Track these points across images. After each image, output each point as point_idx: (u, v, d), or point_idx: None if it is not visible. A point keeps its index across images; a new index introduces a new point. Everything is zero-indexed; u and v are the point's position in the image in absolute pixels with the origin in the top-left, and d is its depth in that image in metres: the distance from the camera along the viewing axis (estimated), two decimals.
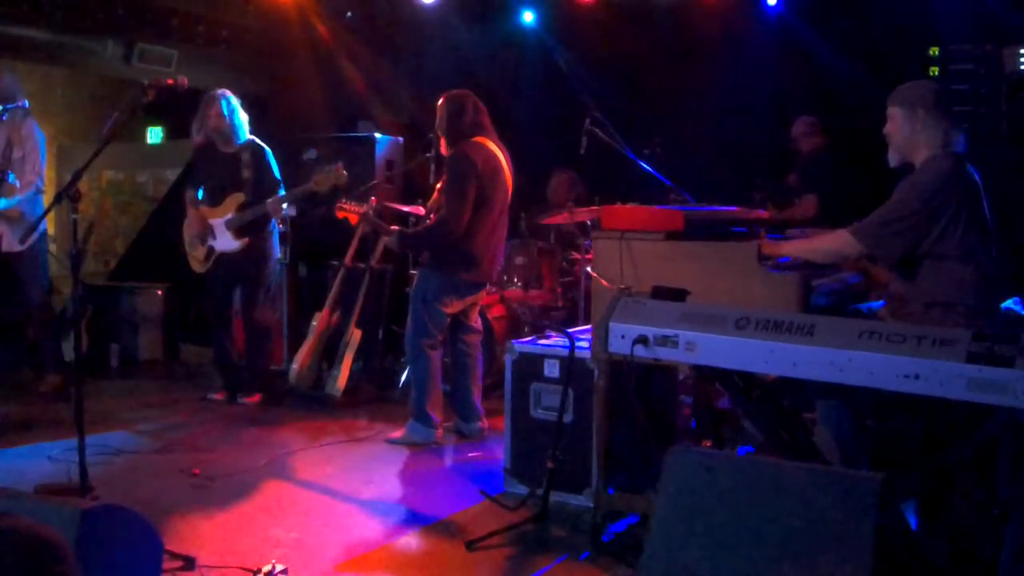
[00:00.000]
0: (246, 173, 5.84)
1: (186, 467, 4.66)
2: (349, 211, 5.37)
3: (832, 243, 3.75)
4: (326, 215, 5.71)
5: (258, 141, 5.94)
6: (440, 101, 5.15)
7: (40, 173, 5.97)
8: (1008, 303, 3.68)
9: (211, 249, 5.94)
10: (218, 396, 6.11)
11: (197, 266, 6.06)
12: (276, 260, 6.15)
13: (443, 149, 5.18)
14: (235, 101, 5.87)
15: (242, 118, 5.88)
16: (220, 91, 5.88)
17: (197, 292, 6.66)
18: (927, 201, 3.46)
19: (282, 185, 5.94)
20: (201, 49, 8.09)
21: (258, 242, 5.91)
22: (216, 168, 5.92)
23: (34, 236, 5.86)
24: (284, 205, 5.88)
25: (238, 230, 5.83)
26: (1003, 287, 3.64)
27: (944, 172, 3.51)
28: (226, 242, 5.87)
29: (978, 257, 3.51)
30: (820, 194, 6.57)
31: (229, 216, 5.84)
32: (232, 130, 5.84)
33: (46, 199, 6.13)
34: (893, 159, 3.71)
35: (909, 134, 3.61)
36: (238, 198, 5.83)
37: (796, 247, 3.97)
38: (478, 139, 5.08)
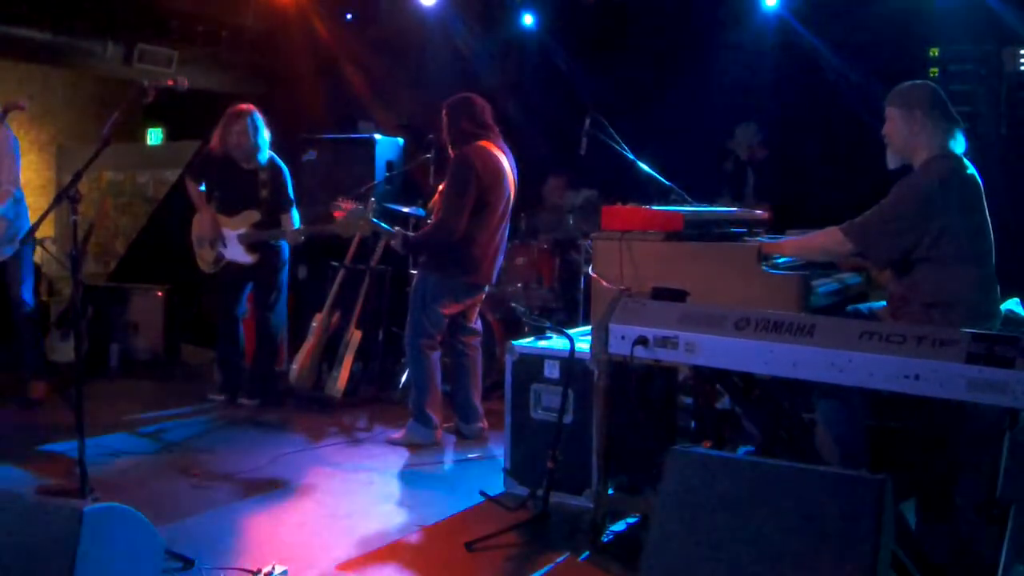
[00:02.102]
0: (263, 192, 5.87)
1: (186, 467, 4.66)
2: (344, 210, 5.37)
3: (823, 240, 3.76)
4: (326, 215, 5.70)
5: (277, 160, 5.95)
6: (444, 108, 5.16)
7: (16, 181, 5.89)
8: (1008, 303, 3.68)
9: (220, 255, 5.95)
10: (218, 396, 6.11)
11: (204, 266, 6.07)
12: (285, 263, 6.14)
13: (450, 153, 5.19)
14: (261, 119, 5.86)
15: (266, 137, 5.88)
16: (247, 107, 5.86)
17: (198, 293, 6.67)
18: (922, 206, 3.46)
19: (294, 204, 5.96)
20: (201, 49, 8.10)
21: (269, 252, 5.93)
22: (232, 181, 5.92)
23: (17, 240, 5.86)
24: (301, 238, 5.87)
25: (251, 246, 5.85)
26: (1003, 287, 3.63)
27: (942, 175, 3.51)
28: (238, 254, 5.90)
29: (978, 258, 3.51)
30: (773, 203, 6.58)
31: (243, 231, 5.85)
32: (255, 149, 5.83)
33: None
34: (892, 161, 3.70)
35: (907, 135, 3.61)
36: (253, 215, 5.86)
37: (791, 245, 3.98)
38: (482, 142, 5.07)
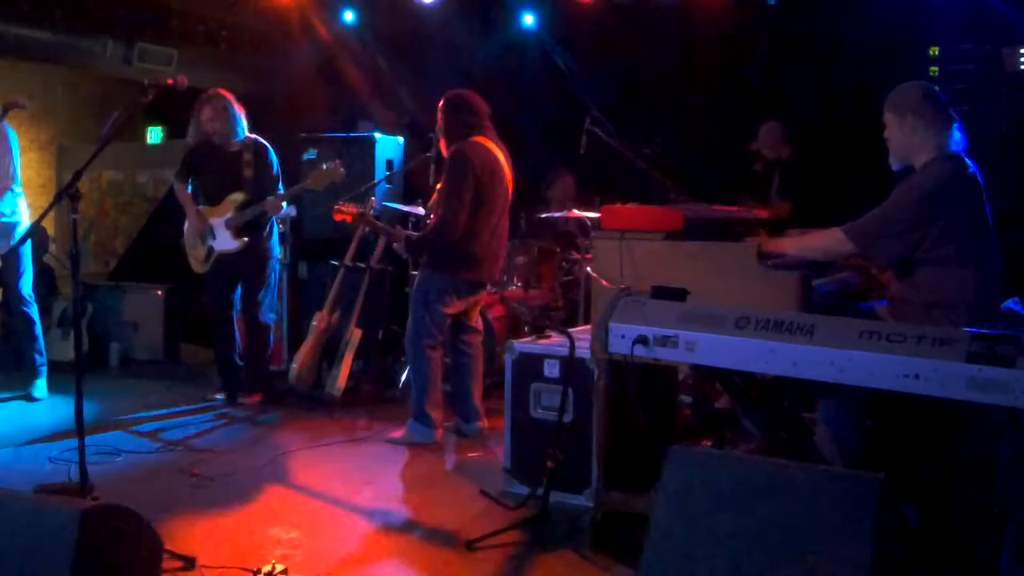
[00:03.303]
0: (248, 172, 5.84)
1: (186, 467, 4.66)
2: (346, 213, 5.38)
3: (824, 240, 3.76)
4: (326, 215, 5.70)
5: (259, 139, 5.94)
6: (439, 104, 5.15)
7: (13, 176, 5.89)
8: (1008, 303, 3.68)
9: (211, 249, 5.94)
10: (218, 396, 6.11)
11: (197, 266, 6.05)
12: (276, 259, 6.14)
13: (444, 151, 5.18)
14: (230, 99, 5.86)
15: (240, 116, 5.88)
16: (213, 91, 5.89)
17: (197, 292, 6.65)
18: (922, 208, 3.45)
19: (281, 182, 5.94)
20: (201, 49, 8.09)
21: (257, 241, 5.91)
22: (217, 167, 5.91)
23: (14, 236, 5.86)
24: (283, 204, 5.85)
25: (237, 230, 5.83)
26: (1003, 287, 3.63)
27: (942, 177, 3.50)
28: (225, 242, 5.87)
29: (979, 258, 3.51)
30: (794, 201, 6.56)
31: (228, 215, 5.84)
32: (232, 129, 5.84)
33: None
34: (894, 163, 3.71)
35: (902, 139, 3.62)
36: (238, 198, 5.83)
37: (791, 244, 3.98)
38: (477, 139, 5.06)
